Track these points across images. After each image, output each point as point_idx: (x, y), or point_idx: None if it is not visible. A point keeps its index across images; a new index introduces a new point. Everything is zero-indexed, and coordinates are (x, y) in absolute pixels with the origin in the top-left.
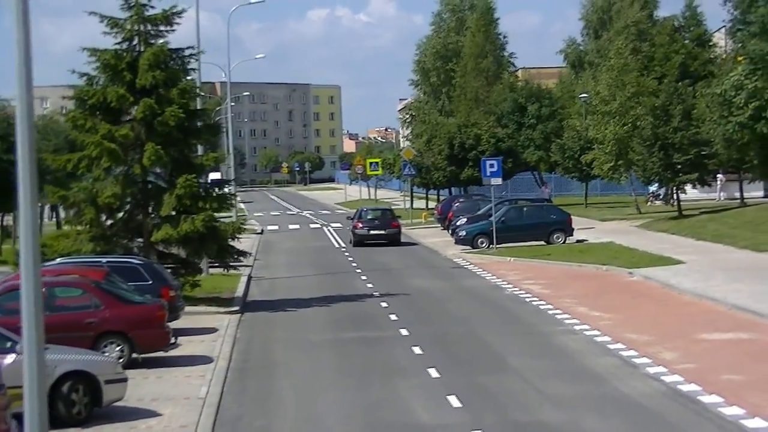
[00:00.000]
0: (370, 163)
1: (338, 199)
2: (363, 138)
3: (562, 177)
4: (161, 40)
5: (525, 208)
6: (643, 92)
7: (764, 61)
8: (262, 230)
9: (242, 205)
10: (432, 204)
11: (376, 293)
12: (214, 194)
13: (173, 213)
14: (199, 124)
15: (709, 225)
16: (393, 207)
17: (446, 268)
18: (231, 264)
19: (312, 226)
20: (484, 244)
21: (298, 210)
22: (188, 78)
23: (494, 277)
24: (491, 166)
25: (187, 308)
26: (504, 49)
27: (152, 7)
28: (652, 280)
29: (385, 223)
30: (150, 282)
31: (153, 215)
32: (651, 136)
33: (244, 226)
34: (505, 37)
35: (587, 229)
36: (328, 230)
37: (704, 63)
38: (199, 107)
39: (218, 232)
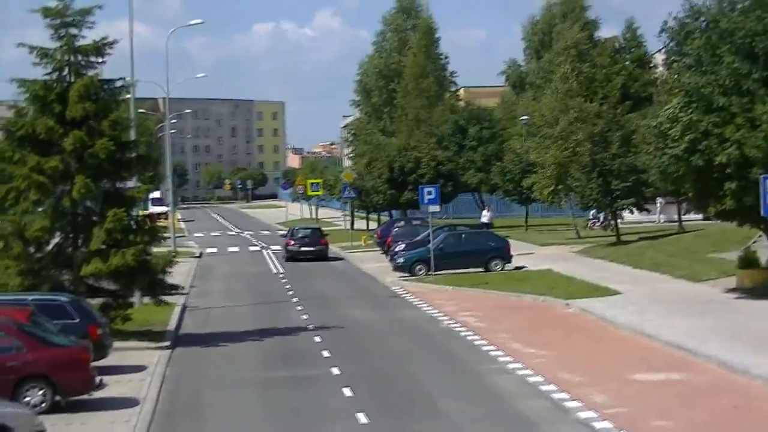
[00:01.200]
0: (311, 184)
1: (280, 218)
2: (308, 153)
3: (503, 199)
4: (92, 71)
5: (463, 235)
6: (585, 118)
7: (699, 93)
8: (201, 254)
9: (182, 224)
10: (373, 225)
11: (311, 326)
12: (146, 227)
13: (103, 246)
14: (131, 155)
15: (647, 252)
16: (334, 227)
17: (383, 297)
18: (162, 299)
19: (251, 248)
20: (422, 272)
21: (239, 230)
22: (123, 105)
23: (431, 307)
24: (429, 193)
25: (117, 344)
26: (445, 69)
27: (83, 37)
28: (588, 313)
29: (314, 241)
30: (77, 320)
31: (83, 248)
32: (589, 163)
33: (176, 259)
34: (446, 57)
35: (526, 255)
36: (268, 254)
37: (645, 84)
38: (132, 138)
39: (150, 266)
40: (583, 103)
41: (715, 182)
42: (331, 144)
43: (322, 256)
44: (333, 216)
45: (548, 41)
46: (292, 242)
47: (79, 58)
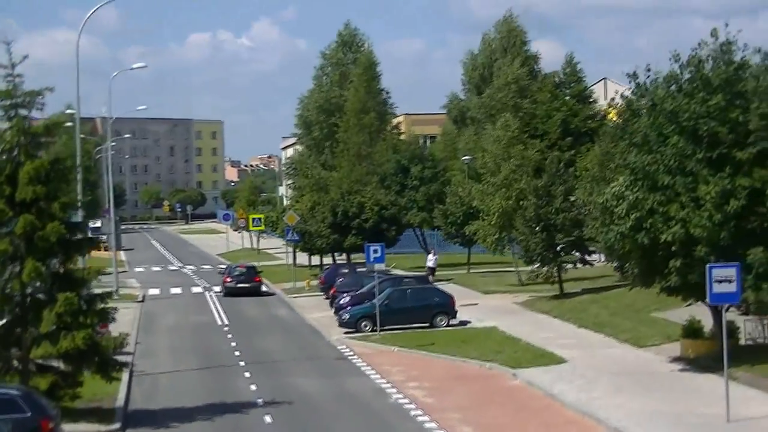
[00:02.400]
0: (253, 219)
1: (220, 248)
2: (245, 166)
3: (445, 240)
4: (42, 152)
5: (408, 290)
6: (528, 165)
7: (645, 172)
8: (143, 297)
9: (123, 256)
10: (316, 261)
11: (260, 401)
12: (96, 309)
13: (53, 328)
14: (81, 236)
15: (591, 308)
16: (275, 261)
17: (331, 359)
18: (112, 376)
19: (194, 289)
20: (367, 328)
21: (180, 265)
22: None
23: (378, 375)
24: (375, 251)
25: (67, 427)
26: (386, 104)
27: (34, 118)
28: (535, 387)
29: (249, 278)
30: (29, 414)
31: (32, 329)
32: (534, 217)
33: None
34: (387, 92)
35: (470, 306)
36: (211, 297)
37: (585, 119)
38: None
39: (100, 348)
40: (524, 151)
41: (660, 259)
42: (269, 156)
43: (255, 291)
44: (274, 247)
45: (488, 75)
46: (230, 279)
47: (30, 138)
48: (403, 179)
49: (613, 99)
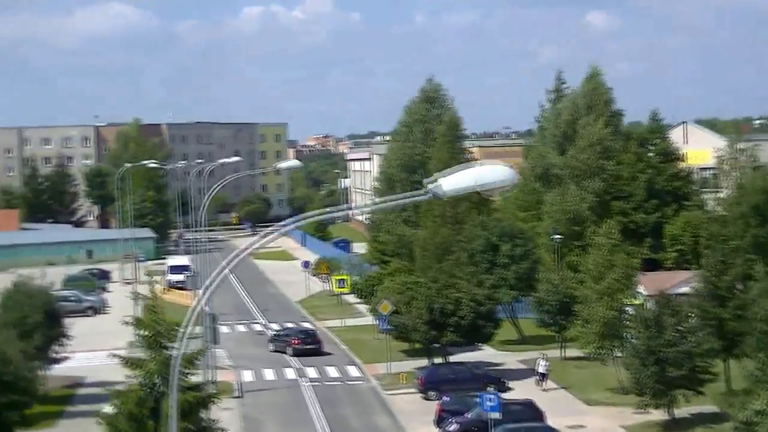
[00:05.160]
0: (338, 280)
1: (298, 288)
2: (302, 146)
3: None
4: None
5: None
6: (631, 274)
7: None
8: (240, 389)
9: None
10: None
11: None
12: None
13: None
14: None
15: None
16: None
17: None
18: None
19: (287, 373)
20: None
21: (264, 323)
22: None
23: None
24: (490, 400)
25: None
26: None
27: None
28: None
29: (313, 340)
30: None
31: None
32: (644, 350)
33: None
34: (471, 152)
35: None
36: (307, 391)
37: (670, 178)
38: None
39: None
40: (628, 259)
41: None
42: (325, 136)
43: (318, 352)
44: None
45: (571, 133)
46: (297, 342)
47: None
48: (493, 257)
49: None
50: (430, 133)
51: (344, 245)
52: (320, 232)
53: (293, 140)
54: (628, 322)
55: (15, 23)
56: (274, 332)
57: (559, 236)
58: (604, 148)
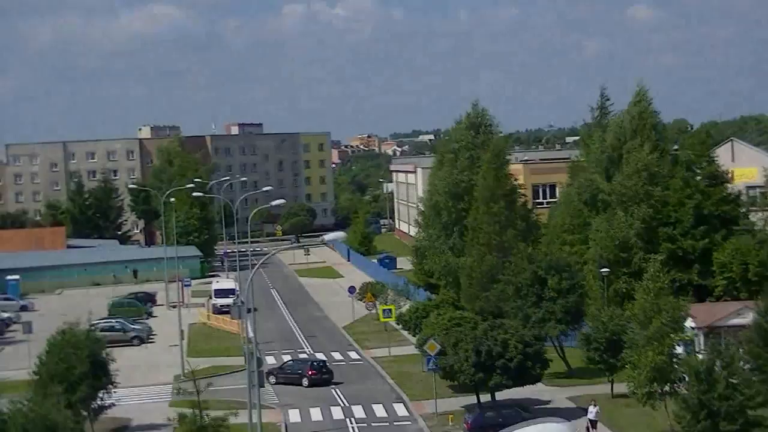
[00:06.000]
0: (384, 311)
1: (344, 311)
2: (345, 146)
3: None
4: None
5: None
6: (680, 318)
7: None
8: None
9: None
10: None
11: None
12: None
13: None
14: None
15: None
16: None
17: None
18: None
19: (334, 413)
20: None
21: (311, 351)
22: None
23: None
24: None
25: None
26: (515, 193)
27: None
28: None
29: (327, 371)
30: None
31: None
32: (696, 404)
33: None
34: (516, 179)
35: None
36: None
37: (718, 202)
38: None
39: None
40: (676, 302)
41: None
42: (368, 136)
43: (330, 381)
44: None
45: (618, 158)
46: (313, 372)
47: None
48: (540, 290)
49: None
50: (476, 160)
51: (389, 261)
52: (364, 246)
53: (336, 141)
54: (677, 367)
55: (58, 25)
56: (279, 365)
57: (606, 269)
58: (651, 174)
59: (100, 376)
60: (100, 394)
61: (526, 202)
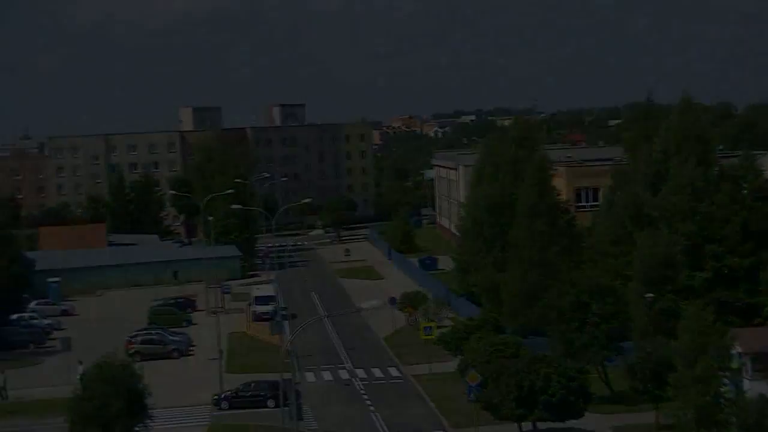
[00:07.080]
0: (425, 328)
1: (384, 322)
2: (386, 127)
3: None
4: None
5: None
6: (727, 356)
7: None
8: None
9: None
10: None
11: None
12: None
13: None
14: None
15: None
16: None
17: None
18: None
19: None
20: None
21: (351, 368)
22: None
23: None
24: None
25: None
26: (557, 208)
27: None
28: None
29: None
30: None
31: None
32: None
33: None
34: (558, 194)
35: None
36: None
37: (765, 217)
38: None
39: None
40: (721, 339)
41: None
42: (410, 117)
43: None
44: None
45: (664, 172)
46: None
47: None
48: (583, 315)
49: None
50: (519, 174)
51: (430, 263)
52: (405, 244)
53: (377, 121)
54: (725, 407)
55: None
56: (231, 391)
57: (650, 294)
58: (696, 189)
59: (137, 410)
60: (137, 429)
61: (567, 209)
